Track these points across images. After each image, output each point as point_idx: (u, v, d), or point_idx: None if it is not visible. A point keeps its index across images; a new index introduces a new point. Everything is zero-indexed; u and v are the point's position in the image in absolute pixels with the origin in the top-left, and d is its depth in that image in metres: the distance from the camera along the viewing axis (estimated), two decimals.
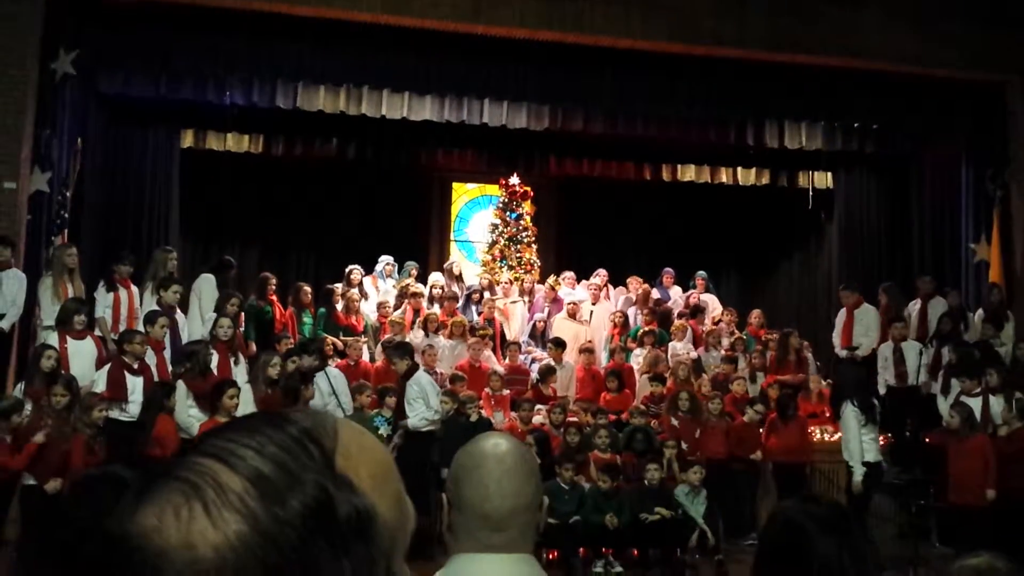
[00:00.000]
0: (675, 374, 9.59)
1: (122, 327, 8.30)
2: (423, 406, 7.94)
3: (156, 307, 8.35)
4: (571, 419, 8.86)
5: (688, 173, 13.06)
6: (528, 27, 9.71)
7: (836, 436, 9.38)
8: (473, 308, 10.98)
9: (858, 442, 7.79)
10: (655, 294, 11.60)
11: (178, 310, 8.68)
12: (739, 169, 13.02)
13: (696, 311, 11.41)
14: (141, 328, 8.01)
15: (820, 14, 10.11)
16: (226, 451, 0.71)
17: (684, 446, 8.48)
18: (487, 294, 11.22)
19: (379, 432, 7.89)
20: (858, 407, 7.80)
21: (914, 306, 10.39)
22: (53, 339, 7.51)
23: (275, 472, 0.70)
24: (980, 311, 9.96)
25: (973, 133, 11.00)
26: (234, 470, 0.69)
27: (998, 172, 10.72)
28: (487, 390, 9.12)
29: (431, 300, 10.94)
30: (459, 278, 11.63)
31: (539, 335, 10.82)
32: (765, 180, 13.06)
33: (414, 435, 7.88)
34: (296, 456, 0.71)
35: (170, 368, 7.84)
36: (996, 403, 8.49)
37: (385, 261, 11.53)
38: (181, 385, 7.39)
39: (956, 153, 11.26)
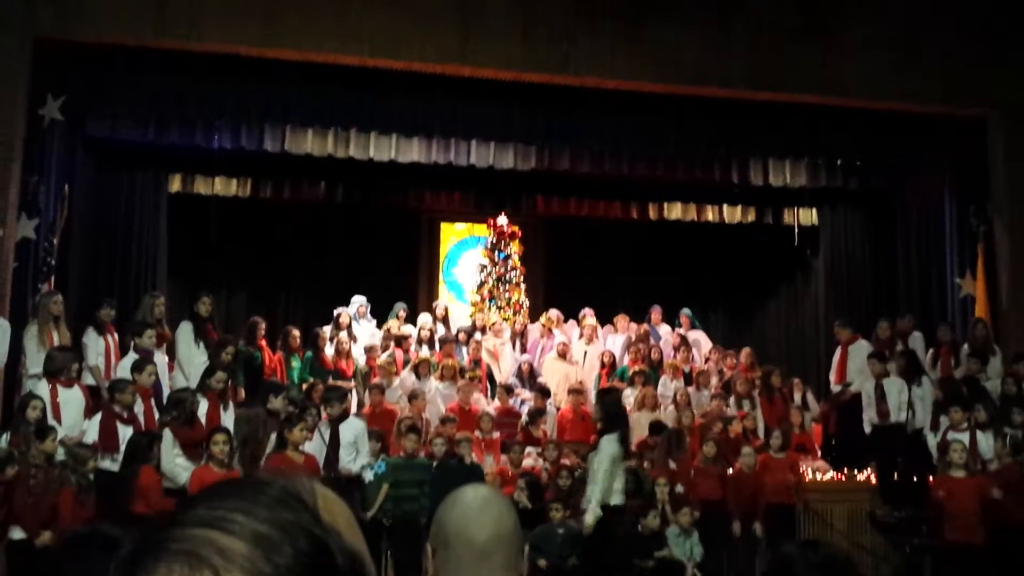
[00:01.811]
0: (681, 422, 9.42)
1: (112, 374, 8.28)
2: (355, 452, 7.94)
3: (136, 353, 8.31)
4: (563, 461, 8.80)
5: (674, 211, 13.15)
6: (514, 69, 9.81)
7: (828, 475, 9.38)
8: (462, 349, 10.97)
9: (609, 477, 7.19)
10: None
11: (162, 353, 8.64)
12: (725, 207, 13.12)
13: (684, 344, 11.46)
14: (122, 374, 7.97)
15: (802, 52, 10.26)
16: (217, 519, 0.72)
17: (680, 488, 8.39)
18: (479, 335, 11.23)
19: (361, 478, 7.84)
20: (619, 442, 7.30)
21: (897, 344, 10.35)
22: (40, 388, 7.44)
23: (272, 531, 0.71)
24: (966, 346, 9.98)
25: (955, 168, 11.12)
26: (233, 535, 0.71)
27: (981, 206, 10.82)
28: (477, 433, 9.08)
29: (419, 342, 10.92)
30: (444, 320, 11.61)
31: (526, 377, 10.79)
32: (751, 217, 13.16)
33: (342, 481, 7.77)
34: (285, 514, 0.73)
35: (156, 416, 7.78)
36: (984, 439, 8.51)
37: (358, 303, 11.39)
38: (167, 433, 7.32)
39: (939, 188, 11.37)
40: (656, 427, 9.48)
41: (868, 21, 10.37)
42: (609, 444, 7.23)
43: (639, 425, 9.83)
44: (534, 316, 12.23)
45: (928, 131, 10.98)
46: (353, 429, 8.09)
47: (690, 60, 10.04)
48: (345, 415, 8.17)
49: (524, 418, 9.78)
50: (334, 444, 7.94)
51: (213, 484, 0.81)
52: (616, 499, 7.28)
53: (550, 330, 11.54)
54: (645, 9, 9.90)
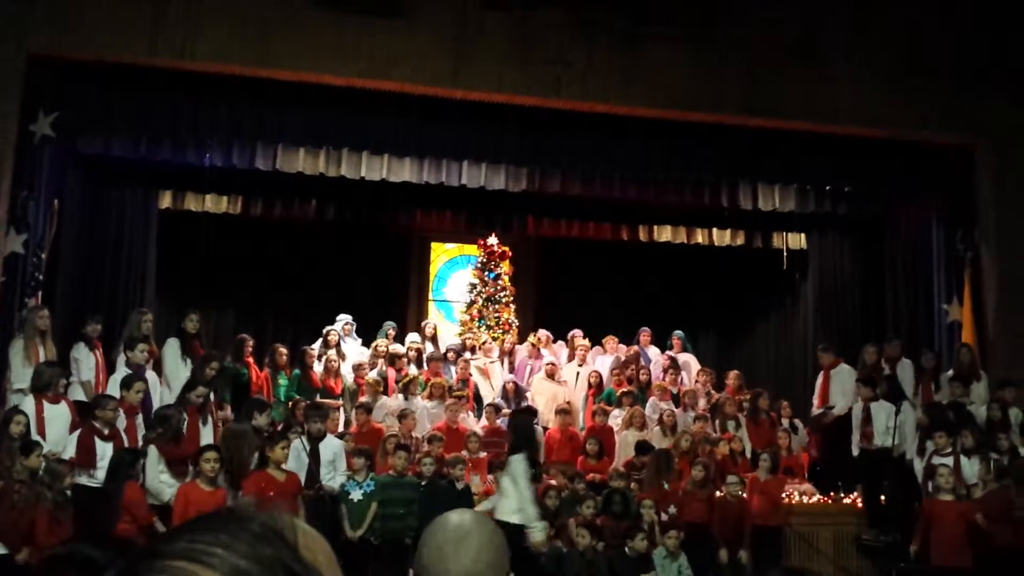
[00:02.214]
0: (678, 445, 9.43)
1: (101, 389, 8.24)
2: (333, 470, 7.95)
3: (127, 369, 8.27)
4: (550, 482, 8.78)
5: (664, 234, 13.21)
6: (506, 92, 9.85)
7: (814, 498, 9.38)
8: (451, 368, 10.96)
9: (531, 494, 7.24)
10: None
11: (150, 370, 8.60)
12: (715, 230, 13.18)
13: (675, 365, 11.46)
14: (111, 389, 7.93)
15: (792, 80, 10.32)
16: (197, 551, 0.72)
17: (673, 509, 8.38)
18: (468, 354, 11.22)
19: (350, 497, 7.81)
20: (527, 461, 7.32)
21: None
22: (25, 403, 7.40)
23: (252, 566, 0.72)
24: (951, 371, 10.01)
25: (943, 195, 11.18)
26: (212, 568, 0.71)
27: (968, 233, 10.88)
28: (464, 452, 9.05)
29: (407, 361, 10.90)
30: (433, 339, 11.60)
31: (511, 396, 10.77)
32: (740, 241, 13.22)
33: (326, 499, 7.83)
34: (266, 550, 0.74)
35: (140, 432, 7.73)
36: (968, 464, 8.53)
37: (343, 320, 11.36)
38: (153, 450, 7.28)
39: (927, 214, 11.45)
40: (642, 447, 9.48)
41: (859, 50, 10.46)
42: (518, 463, 7.28)
43: (626, 444, 9.85)
44: (524, 336, 12.23)
45: (916, 158, 11.04)
46: (332, 448, 8.09)
47: (682, 86, 10.10)
48: (323, 434, 8.13)
49: None
50: (315, 461, 7.92)
51: (195, 517, 0.81)
52: (517, 518, 7.23)
53: (538, 350, 11.54)
54: (638, 35, 9.96)
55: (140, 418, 7.93)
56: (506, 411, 10.50)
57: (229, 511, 0.80)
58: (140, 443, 7.62)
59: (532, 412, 9.65)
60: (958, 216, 10.98)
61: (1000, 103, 10.63)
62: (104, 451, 7.20)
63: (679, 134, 10.55)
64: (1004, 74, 10.61)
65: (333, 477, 7.95)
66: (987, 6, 10.61)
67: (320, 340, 10.77)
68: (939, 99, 10.53)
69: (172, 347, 9.07)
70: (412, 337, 11.49)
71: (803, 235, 13.10)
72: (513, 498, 7.22)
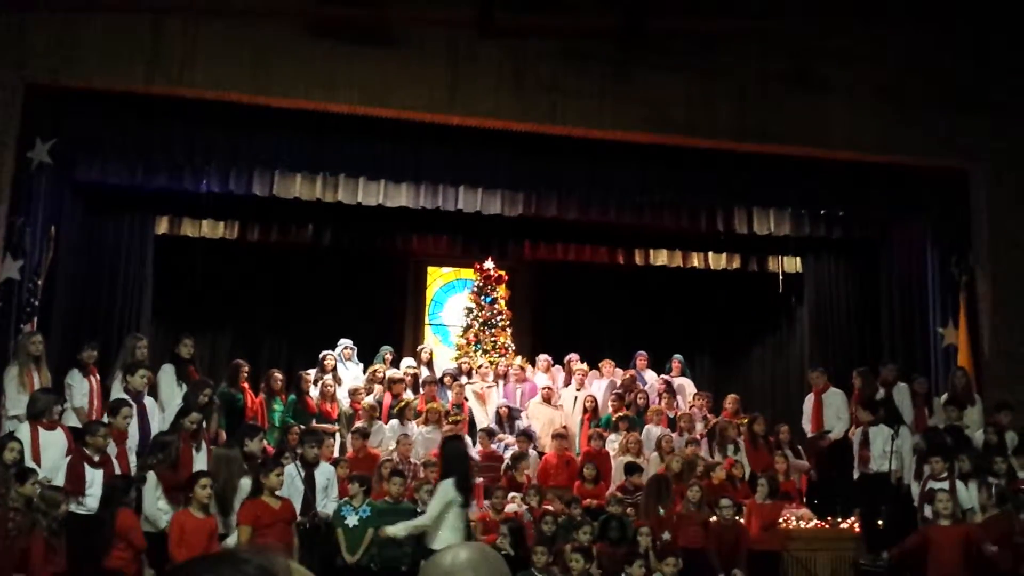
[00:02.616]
0: (669, 467, 9.43)
1: (95, 416, 8.20)
2: (325, 497, 7.96)
3: (123, 394, 8.23)
4: (546, 507, 8.74)
5: (660, 257, 13.22)
6: (502, 118, 9.89)
7: (812, 523, 9.35)
8: (446, 392, 10.93)
9: (436, 517, 7.13)
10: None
11: (147, 395, 8.58)
12: (710, 254, 13.20)
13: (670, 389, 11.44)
14: (104, 418, 7.91)
15: (787, 104, 10.37)
16: None
17: (667, 535, 8.33)
18: (464, 378, 11.19)
19: (346, 522, 7.77)
20: (456, 485, 7.24)
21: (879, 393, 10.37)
22: (21, 430, 7.35)
23: None
24: (945, 395, 9.99)
25: (938, 219, 11.20)
26: None
27: (962, 257, 10.90)
28: None
29: (404, 386, 10.87)
30: (429, 363, 11.58)
31: (504, 421, 10.73)
32: (736, 264, 13.24)
33: (321, 526, 7.83)
34: None
35: (132, 459, 7.69)
36: (963, 489, 8.49)
37: (343, 345, 11.38)
38: (152, 476, 7.25)
39: (922, 238, 11.47)
40: (631, 468, 9.44)
41: (852, 75, 10.51)
42: (443, 488, 7.26)
43: (621, 468, 9.80)
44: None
45: (911, 182, 11.08)
46: (325, 474, 8.12)
47: (677, 111, 10.13)
48: (318, 459, 8.13)
49: (507, 462, 9.71)
50: (311, 487, 7.90)
51: (191, 559, 0.82)
52: (442, 543, 7.08)
53: (523, 371, 11.53)
54: (632, 60, 10.00)
55: (132, 443, 7.90)
56: (500, 436, 10.48)
57: (226, 553, 0.81)
58: (132, 469, 7.59)
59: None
60: (953, 239, 11.00)
61: (993, 128, 10.68)
62: (93, 478, 7.16)
63: (674, 159, 10.59)
64: (998, 98, 10.66)
65: (326, 504, 7.93)
66: (980, 30, 10.67)
67: (318, 365, 10.75)
68: (933, 123, 10.57)
69: (167, 373, 9.06)
70: (408, 362, 11.47)
71: (798, 259, 13.12)
72: (448, 527, 7.13)
